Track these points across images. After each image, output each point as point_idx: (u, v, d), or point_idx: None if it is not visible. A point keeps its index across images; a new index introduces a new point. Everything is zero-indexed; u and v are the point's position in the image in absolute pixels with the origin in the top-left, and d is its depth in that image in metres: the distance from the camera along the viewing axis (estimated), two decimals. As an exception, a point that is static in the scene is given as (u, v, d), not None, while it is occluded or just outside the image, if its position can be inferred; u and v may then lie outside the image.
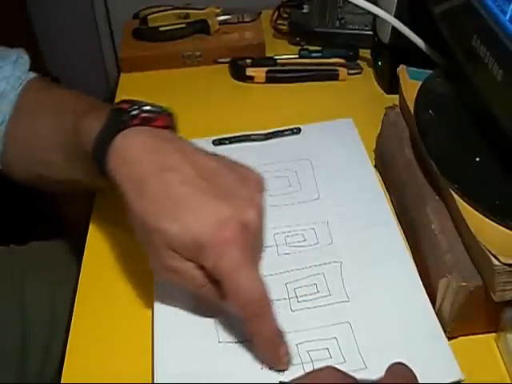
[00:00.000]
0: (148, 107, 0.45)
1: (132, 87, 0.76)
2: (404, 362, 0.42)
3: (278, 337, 0.41)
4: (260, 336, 0.41)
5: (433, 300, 0.45)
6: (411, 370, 0.35)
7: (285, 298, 0.47)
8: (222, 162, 0.44)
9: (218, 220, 0.39)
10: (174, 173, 0.41)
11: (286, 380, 0.41)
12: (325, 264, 0.49)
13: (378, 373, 0.42)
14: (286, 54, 0.78)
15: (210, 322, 0.45)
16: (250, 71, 0.74)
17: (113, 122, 0.43)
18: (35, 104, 0.56)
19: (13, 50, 0.61)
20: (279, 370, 0.42)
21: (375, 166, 0.59)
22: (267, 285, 0.40)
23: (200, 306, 0.46)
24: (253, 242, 0.41)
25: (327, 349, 0.43)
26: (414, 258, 0.49)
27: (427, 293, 0.46)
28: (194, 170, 0.41)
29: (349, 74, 0.74)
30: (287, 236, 0.52)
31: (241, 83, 0.75)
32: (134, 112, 0.44)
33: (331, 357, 0.43)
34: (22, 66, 0.59)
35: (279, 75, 0.74)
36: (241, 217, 0.40)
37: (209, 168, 0.42)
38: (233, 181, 0.42)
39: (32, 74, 0.59)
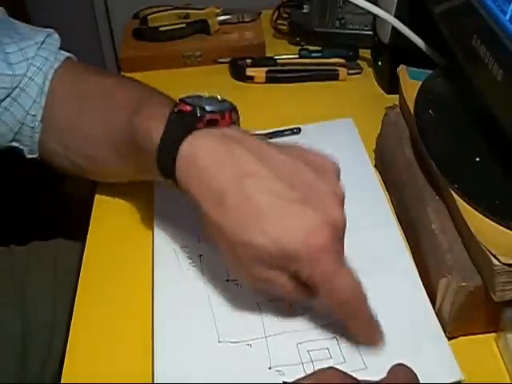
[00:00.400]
0: (210, 107, 0.42)
1: (132, 87, 0.76)
2: (404, 362, 0.42)
3: (374, 323, 0.42)
4: (359, 329, 0.42)
5: (433, 300, 0.45)
6: (413, 372, 0.35)
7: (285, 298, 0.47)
8: (295, 156, 0.41)
9: (307, 228, 0.38)
10: (253, 179, 0.39)
11: (288, 380, 0.41)
12: (325, 264, 0.49)
13: (377, 373, 0.42)
14: (285, 53, 0.78)
15: (210, 322, 0.45)
16: (249, 71, 0.74)
17: (176, 127, 0.41)
18: (77, 91, 0.54)
19: (43, 29, 0.58)
20: (279, 371, 0.42)
21: (375, 166, 0.59)
22: (360, 281, 0.41)
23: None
24: (343, 238, 0.41)
25: (327, 349, 0.43)
26: (414, 258, 0.49)
27: (427, 293, 0.46)
28: (272, 172, 0.39)
29: (349, 74, 0.74)
30: (287, 236, 0.52)
31: (241, 83, 0.75)
32: (199, 114, 0.41)
33: (331, 357, 0.43)
34: (49, 46, 0.56)
35: (279, 75, 0.74)
36: (329, 219, 0.39)
37: (286, 167, 0.40)
38: (312, 176, 0.40)
39: (63, 55, 0.57)
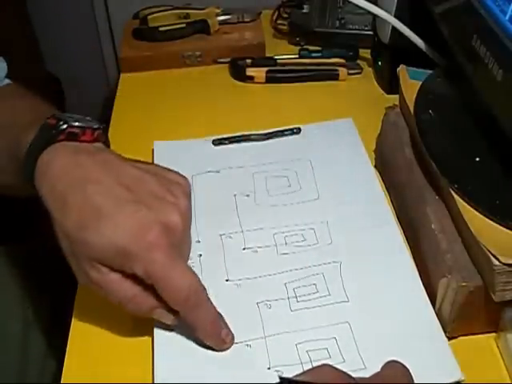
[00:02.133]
0: (76, 123, 0.45)
1: (132, 87, 0.76)
2: (404, 361, 0.42)
3: (218, 320, 0.43)
4: (201, 323, 0.42)
5: (433, 300, 0.45)
6: (407, 368, 0.35)
7: (284, 298, 0.47)
8: (146, 169, 0.45)
9: (138, 225, 0.40)
10: (94, 185, 0.42)
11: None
12: (324, 264, 0.49)
13: (377, 373, 0.42)
14: (286, 53, 0.78)
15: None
16: (250, 71, 0.74)
17: (40, 139, 0.44)
18: None
19: None
20: (278, 371, 0.42)
21: (375, 166, 0.59)
22: (197, 276, 0.42)
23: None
24: (178, 242, 0.42)
25: (326, 349, 0.43)
26: (414, 258, 0.49)
27: (427, 293, 0.46)
28: (114, 179, 0.42)
29: (349, 74, 0.74)
30: (287, 236, 0.52)
31: (241, 83, 0.75)
32: (61, 128, 0.44)
33: (330, 357, 0.43)
34: None
35: (279, 75, 0.74)
36: (163, 219, 0.41)
37: (131, 176, 0.43)
38: (157, 187, 0.43)
39: (5, 82, 0.59)
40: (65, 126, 0.44)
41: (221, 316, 0.43)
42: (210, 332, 0.43)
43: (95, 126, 0.46)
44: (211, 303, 0.43)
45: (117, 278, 0.41)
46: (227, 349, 0.43)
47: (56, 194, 0.42)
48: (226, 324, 0.43)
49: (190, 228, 0.45)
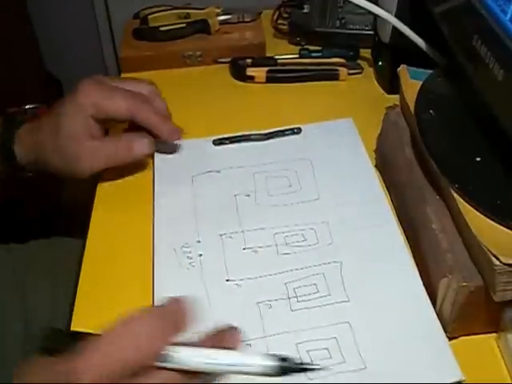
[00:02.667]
0: (28, 106, 0.61)
1: (132, 87, 0.76)
2: (404, 361, 0.42)
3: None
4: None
5: (433, 300, 0.45)
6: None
7: (285, 298, 0.47)
8: None
9: None
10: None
11: (289, 381, 0.41)
12: (325, 264, 0.49)
13: (378, 373, 0.42)
14: (286, 53, 0.78)
15: (210, 322, 0.45)
16: (250, 71, 0.74)
17: (9, 125, 0.58)
18: None
19: None
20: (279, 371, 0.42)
21: (375, 166, 0.59)
22: None
23: None
24: None
25: (327, 349, 0.43)
26: (414, 258, 0.49)
27: (427, 293, 0.46)
28: None
29: (349, 74, 0.74)
30: (287, 236, 0.52)
31: (241, 83, 0.75)
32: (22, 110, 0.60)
33: (331, 357, 0.43)
34: None
35: (279, 75, 0.74)
36: None
37: None
38: None
39: None
40: (23, 110, 0.60)
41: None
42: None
43: (43, 105, 0.61)
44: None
45: None
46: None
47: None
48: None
49: None
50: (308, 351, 0.43)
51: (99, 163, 0.56)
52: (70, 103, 0.55)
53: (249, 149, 0.61)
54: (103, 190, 0.59)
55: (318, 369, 0.36)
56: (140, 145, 0.56)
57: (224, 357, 0.35)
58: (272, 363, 0.35)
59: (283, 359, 0.35)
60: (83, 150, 0.55)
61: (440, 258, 0.44)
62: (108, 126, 0.61)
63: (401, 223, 0.53)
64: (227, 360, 0.35)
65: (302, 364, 0.35)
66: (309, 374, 0.41)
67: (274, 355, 0.36)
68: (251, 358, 0.35)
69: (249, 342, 0.44)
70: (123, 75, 0.78)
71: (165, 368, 0.34)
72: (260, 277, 0.49)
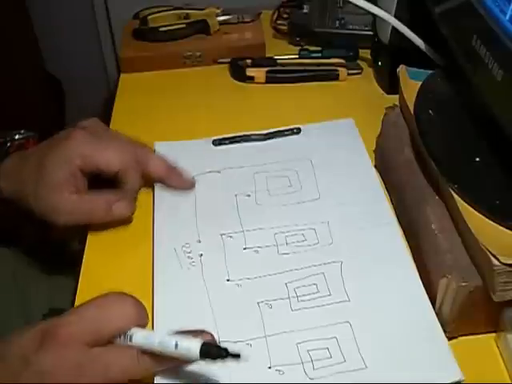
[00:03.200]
0: (19, 136, 0.58)
1: (132, 87, 0.77)
2: (404, 361, 0.42)
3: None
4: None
5: (433, 300, 0.45)
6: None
7: (285, 298, 0.47)
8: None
9: None
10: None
11: (289, 381, 0.41)
12: (325, 264, 0.49)
13: (378, 373, 0.42)
14: (286, 54, 0.78)
15: (210, 322, 0.45)
16: (250, 71, 0.74)
17: None
18: None
19: None
20: (279, 371, 0.42)
21: (375, 166, 0.59)
22: None
23: None
24: None
25: (327, 348, 0.43)
26: (414, 258, 0.49)
27: (427, 293, 0.46)
28: None
29: (349, 74, 0.74)
30: (287, 236, 0.52)
31: (241, 83, 0.75)
32: (8, 144, 0.57)
33: (331, 356, 0.43)
34: None
35: (279, 75, 0.75)
36: None
37: None
38: None
39: None
40: (10, 142, 0.56)
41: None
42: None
43: (32, 134, 0.58)
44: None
45: None
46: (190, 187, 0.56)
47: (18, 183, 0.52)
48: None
49: None
50: (308, 351, 0.43)
51: (74, 219, 0.53)
52: (57, 150, 0.51)
53: (249, 149, 0.61)
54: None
55: (237, 356, 0.37)
56: (119, 207, 0.53)
57: (158, 338, 0.39)
58: (192, 347, 0.38)
59: (205, 345, 0.38)
60: (61, 203, 0.52)
61: (439, 258, 0.44)
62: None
63: (400, 223, 0.53)
64: (159, 339, 0.39)
65: (220, 349, 0.38)
66: (309, 374, 0.42)
67: (203, 342, 0.38)
68: (174, 339, 0.39)
69: (249, 342, 0.44)
70: (123, 75, 0.79)
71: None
72: (260, 277, 0.49)
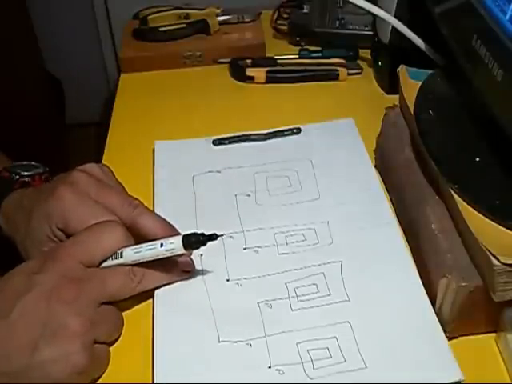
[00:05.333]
0: (26, 172, 0.55)
1: (132, 87, 0.77)
2: (404, 361, 0.42)
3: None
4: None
5: (433, 300, 0.45)
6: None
7: (285, 298, 0.47)
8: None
9: None
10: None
11: (289, 381, 0.41)
12: (325, 264, 0.49)
13: (378, 372, 0.42)
14: (286, 54, 0.78)
15: (210, 322, 0.45)
16: (250, 71, 0.74)
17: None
18: None
19: None
20: (279, 371, 0.42)
21: (375, 166, 0.59)
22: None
23: None
24: None
25: (327, 348, 0.43)
26: (414, 258, 0.49)
27: (427, 293, 0.46)
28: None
29: (349, 74, 0.74)
30: (287, 236, 0.52)
31: (241, 83, 0.75)
32: (14, 179, 0.54)
33: (331, 356, 0.43)
34: None
35: (279, 75, 0.75)
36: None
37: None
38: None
39: None
40: (17, 177, 0.54)
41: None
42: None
43: (42, 171, 0.56)
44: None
45: None
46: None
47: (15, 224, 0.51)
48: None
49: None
50: (308, 351, 0.43)
51: None
52: (43, 205, 0.48)
53: (249, 149, 0.61)
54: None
55: (217, 236, 0.44)
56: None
57: (145, 244, 0.45)
58: (175, 240, 0.44)
59: (187, 235, 0.44)
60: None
61: (439, 258, 0.44)
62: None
63: (400, 223, 0.53)
64: (145, 245, 0.45)
65: (202, 235, 0.44)
66: (309, 373, 0.42)
67: (184, 234, 0.44)
68: (158, 241, 0.45)
69: (249, 342, 0.44)
70: (123, 75, 0.79)
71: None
72: (260, 276, 0.49)
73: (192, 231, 0.45)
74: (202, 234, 0.44)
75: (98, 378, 0.43)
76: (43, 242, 0.49)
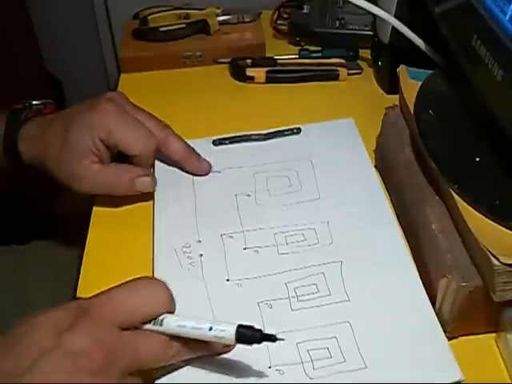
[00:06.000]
0: (35, 101, 0.59)
1: (132, 87, 0.76)
2: (404, 361, 0.42)
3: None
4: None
5: (433, 300, 0.45)
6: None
7: (285, 298, 0.47)
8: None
9: None
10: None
11: (290, 381, 0.41)
12: (325, 264, 0.49)
13: (378, 372, 0.42)
14: (286, 54, 0.78)
15: (210, 322, 0.45)
16: (250, 71, 0.74)
17: (13, 121, 0.57)
18: None
19: None
20: (279, 371, 0.42)
21: (375, 166, 0.59)
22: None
23: None
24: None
25: (327, 348, 0.43)
26: (414, 258, 0.49)
27: (427, 293, 0.46)
28: None
29: (349, 74, 0.74)
30: (287, 236, 0.52)
31: (241, 83, 0.75)
32: (28, 108, 0.57)
33: (331, 356, 0.43)
34: None
35: (279, 75, 0.75)
36: None
37: None
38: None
39: None
40: (30, 106, 0.57)
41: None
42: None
43: (50, 101, 0.59)
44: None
45: None
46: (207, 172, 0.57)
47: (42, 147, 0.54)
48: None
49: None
50: (308, 350, 0.43)
51: (96, 188, 0.55)
52: (83, 119, 0.53)
53: (249, 149, 0.61)
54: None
55: (279, 339, 0.38)
56: (142, 183, 0.55)
57: (190, 322, 0.40)
58: (228, 329, 0.38)
59: (242, 326, 0.38)
60: (83, 171, 0.53)
61: (439, 258, 0.44)
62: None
63: (400, 223, 0.53)
64: (192, 324, 0.39)
65: (259, 332, 0.38)
66: (309, 373, 0.42)
67: (239, 324, 0.38)
68: (207, 322, 0.39)
69: (249, 342, 0.44)
70: (123, 75, 0.79)
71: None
72: (260, 276, 0.49)
73: (248, 324, 0.39)
74: (260, 331, 0.38)
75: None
76: (84, 153, 0.52)
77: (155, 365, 0.40)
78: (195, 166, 0.58)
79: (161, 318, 0.40)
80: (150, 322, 0.40)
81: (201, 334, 0.39)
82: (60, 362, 0.36)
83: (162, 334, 0.40)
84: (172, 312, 0.41)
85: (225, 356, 0.43)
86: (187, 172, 0.58)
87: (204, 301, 0.47)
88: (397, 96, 0.58)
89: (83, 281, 0.51)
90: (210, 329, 0.39)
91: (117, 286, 0.40)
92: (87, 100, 0.56)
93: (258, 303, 0.47)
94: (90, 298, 0.40)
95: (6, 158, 0.57)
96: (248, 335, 0.38)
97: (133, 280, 0.41)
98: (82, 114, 0.53)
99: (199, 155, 0.58)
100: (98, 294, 0.40)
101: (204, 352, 0.42)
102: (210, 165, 0.58)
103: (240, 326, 0.38)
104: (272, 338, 0.38)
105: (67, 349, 0.36)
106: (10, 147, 0.56)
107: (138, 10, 0.84)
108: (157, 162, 0.60)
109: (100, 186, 0.55)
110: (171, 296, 0.41)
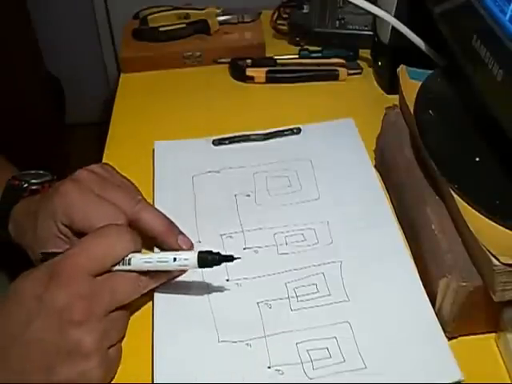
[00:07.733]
0: (34, 180, 0.55)
1: (132, 87, 0.77)
2: (404, 361, 0.42)
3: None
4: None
5: (433, 300, 0.45)
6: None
7: (285, 298, 0.47)
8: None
9: None
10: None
11: (290, 381, 0.41)
12: (325, 264, 0.49)
13: (378, 372, 0.42)
14: (286, 54, 0.78)
15: (210, 322, 0.45)
16: (250, 71, 0.74)
17: (8, 197, 0.55)
18: None
19: None
20: (279, 371, 0.42)
21: (375, 166, 0.59)
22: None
23: None
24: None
25: (327, 348, 0.43)
26: (414, 258, 0.49)
27: (427, 293, 0.46)
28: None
29: (349, 74, 0.74)
30: (287, 236, 0.52)
31: (241, 83, 0.75)
32: (23, 187, 0.55)
33: (331, 356, 0.43)
34: None
35: (279, 75, 0.75)
36: None
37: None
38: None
39: None
40: (26, 185, 0.55)
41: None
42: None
43: (49, 179, 0.56)
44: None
45: None
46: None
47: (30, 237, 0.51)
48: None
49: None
50: (308, 350, 0.43)
51: None
52: (48, 204, 0.49)
53: (249, 149, 0.61)
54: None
55: (236, 258, 0.44)
56: None
57: (155, 256, 0.44)
58: (190, 257, 0.43)
59: (202, 252, 0.43)
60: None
61: (439, 258, 0.44)
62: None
63: (400, 223, 0.53)
64: (158, 258, 0.44)
65: (218, 255, 0.43)
66: (308, 373, 0.42)
67: (199, 251, 0.43)
68: (171, 254, 0.44)
69: (249, 342, 0.44)
70: (123, 75, 0.79)
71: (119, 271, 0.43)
72: (260, 277, 0.49)
73: (207, 249, 0.44)
74: (218, 254, 0.43)
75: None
76: (50, 240, 0.49)
77: (129, 300, 0.44)
78: (173, 245, 0.50)
79: (128, 257, 0.43)
80: (118, 263, 0.43)
81: (166, 265, 0.44)
82: (46, 325, 0.40)
83: (131, 271, 0.44)
84: (139, 250, 0.45)
85: (225, 356, 0.43)
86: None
87: (204, 301, 0.47)
88: (397, 96, 0.58)
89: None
90: (174, 259, 0.43)
91: (87, 236, 0.44)
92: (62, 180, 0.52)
93: (257, 303, 0.47)
94: (65, 250, 0.44)
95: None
96: (208, 259, 0.43)
97: (99, 228, 0.44)
98: (47, 199, 0.50)
99: (178, 230, 0.50)
100: (70, 247, 0.44)
101: (165, 279, 0.47)
102: (191, 241, 0.50)
103: (200, 252, 0.43)
104: (229, 258, 0.43)
105: (49, 309, 0.40)
106: (2, 224, 0.54)
107: (138, 10, 0.85)
108: (156, 162, 0.60)
109: None
110: (136, 235, 0.45)
